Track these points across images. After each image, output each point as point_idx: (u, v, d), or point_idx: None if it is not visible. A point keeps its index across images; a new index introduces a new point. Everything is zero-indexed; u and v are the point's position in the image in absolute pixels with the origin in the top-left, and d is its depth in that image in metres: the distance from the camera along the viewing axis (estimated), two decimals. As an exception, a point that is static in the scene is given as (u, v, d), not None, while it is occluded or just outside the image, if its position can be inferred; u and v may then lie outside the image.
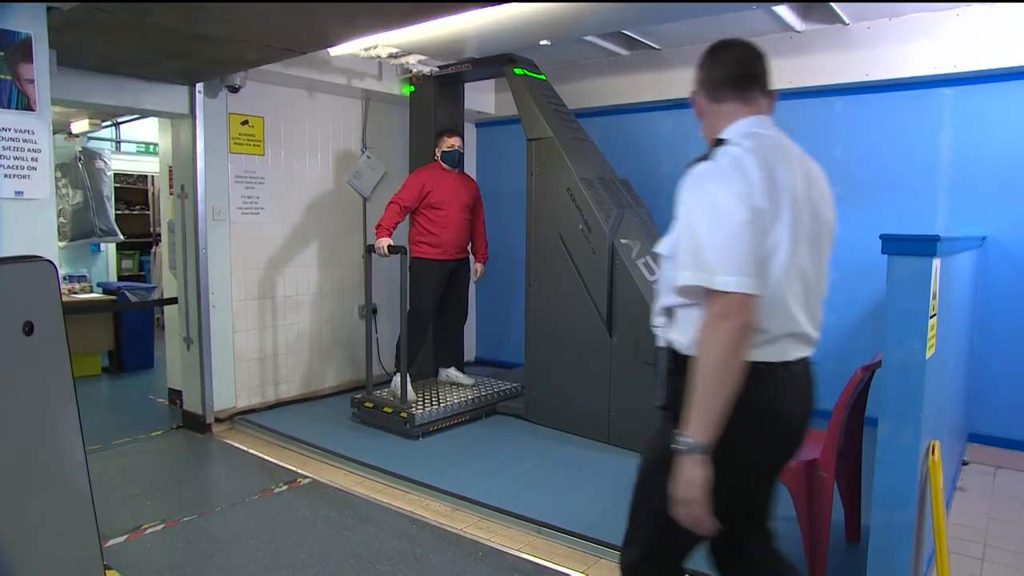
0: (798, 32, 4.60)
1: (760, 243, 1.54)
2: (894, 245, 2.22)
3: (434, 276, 4.91)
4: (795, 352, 1.66)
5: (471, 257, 5.23)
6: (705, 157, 1.66)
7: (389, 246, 4.56)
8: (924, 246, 2.18)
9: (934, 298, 2.25)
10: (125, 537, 3.16)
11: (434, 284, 4.91)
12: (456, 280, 5.08)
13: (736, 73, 1.75)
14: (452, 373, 5.24)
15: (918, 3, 4.09)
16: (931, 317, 2.24)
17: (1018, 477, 4.02)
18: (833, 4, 4.17)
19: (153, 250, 8.68)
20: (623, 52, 5.26)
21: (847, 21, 4.40)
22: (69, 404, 1.49)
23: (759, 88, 1.76)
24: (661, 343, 1.76)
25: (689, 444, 1.53)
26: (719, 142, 1.68)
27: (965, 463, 4.20)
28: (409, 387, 4.66)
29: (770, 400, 1.63)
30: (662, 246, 1.73)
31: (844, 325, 4.78)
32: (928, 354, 2.22)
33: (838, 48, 4.51)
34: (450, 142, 4.95)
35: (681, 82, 5.11)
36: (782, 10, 4.26)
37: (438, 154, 5.00)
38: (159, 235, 6.88)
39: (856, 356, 4.43)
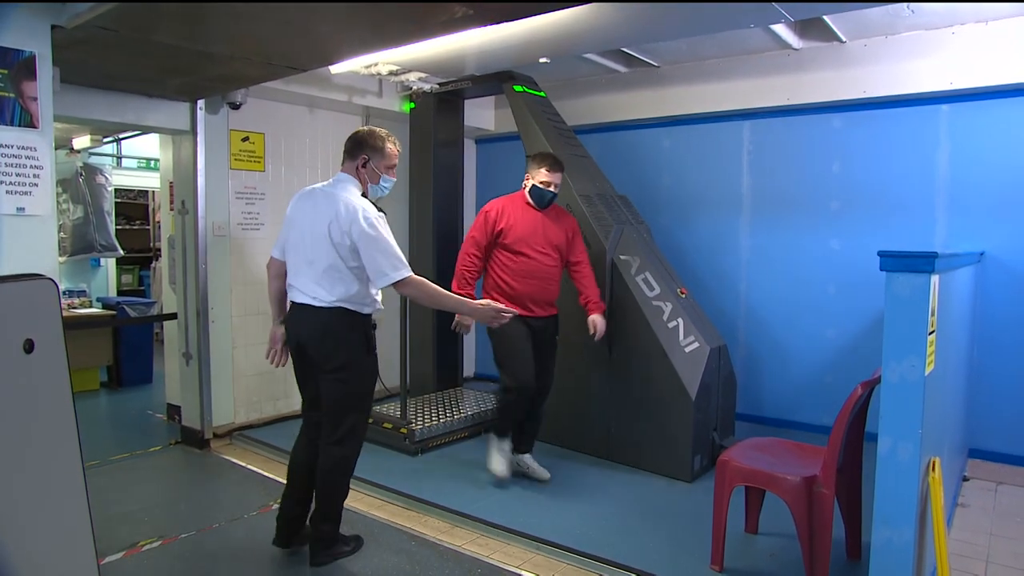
0: (796, 50, 4.64)
1: (284, 237, 3.09)
2: (893, 262, 2.23)
3: (520, 334, 3.78)
4: (295, 297, 2.99)
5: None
6: None
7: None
8: (922, 263, 2.19)
9: (933, 314, 2.26)
10: (122, 554, 3.14)
11: (518, 346, 3.79)
12: (541, 343, 3.92)
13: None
14: (527, 461, 4.05)
15: (919, 3, 4.13)
16: (930, 333, 2.24)
17: (1020, 493, 4.01)
18: (829, 21, 4.21)
19: (153, 265, 8.68)
20: (622, 69, 5.30)
21: (844, 39, 4.44)
22: (68, 421, 1.49)
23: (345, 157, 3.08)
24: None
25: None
26: None
27: (966, 479, 4.18)
28: (500, 460, 3.95)
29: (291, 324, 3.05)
30: None
31: (843, 340, 4.79)
32: (927, 370, 2.22)
33: (835, 65, 4.55)
34: (547, 177, 3.82)
35: (680, 99, 5.16)
36: (780, 28, 4.30)
37: (527, 184, 3.92)
38: (159, 250, 6.89)
39: (856, 371, 4.45)
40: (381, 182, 3.08)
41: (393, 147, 3.08)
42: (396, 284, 2.87)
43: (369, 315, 3.02)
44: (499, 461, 3.94)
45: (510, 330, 3.61)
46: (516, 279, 3.82)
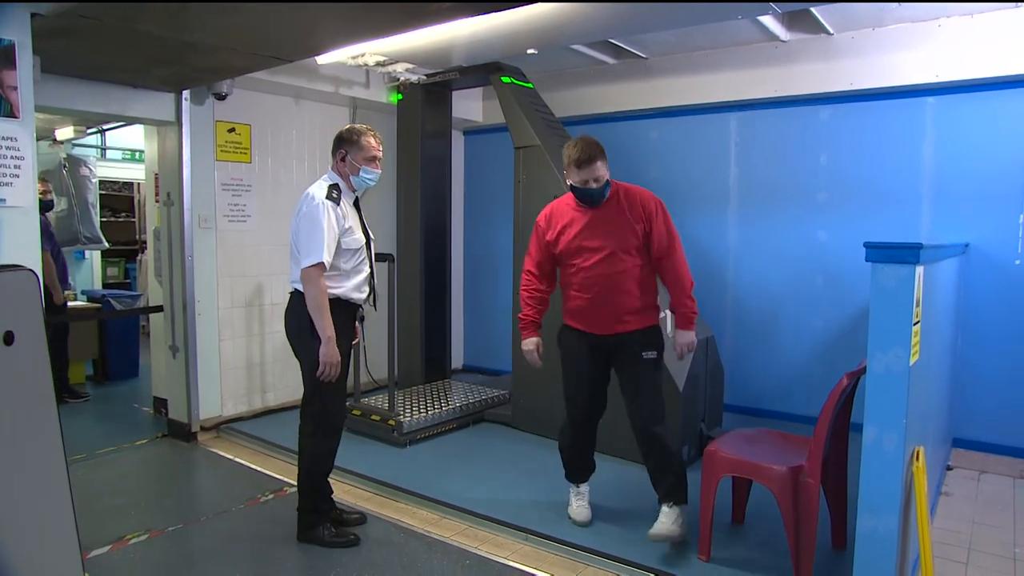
0: (784, 42, 4.64)
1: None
2: (878, 253, 2.24)
3: (577, 354, 3.22)
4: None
5: (667, 320, 3.28)
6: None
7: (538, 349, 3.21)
8: (907, 254, 2.20)
9: (918, 305, 2.27)
10: (109, 547, 3.12)
11: (575, 368, 3.24)
12: (624, 363, 3.17)
13: None
14: (665, 518, 3.09)
15: (903, 4, 4.15)
16: (915, 324, 2.26)
17: (1002, 481, 4.06)
18: (817, 14, 4.21)
19: (139, 258, 8.62)
20: (610, 61, 5.29)
21: (831, 31, 4.45)
22: (50, 414, 1.48)
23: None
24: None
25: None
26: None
27: (949, 468, 4.23)
28: (573, 502, 3.41)
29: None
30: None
31: (831, 330, 4.82)
32: (912, 360, 2.24)
33: (823, 58, 4.56)
34: (580, 176, 3.04)
35: (668, 91, 5.16)
36: (768, 20, 4.31)
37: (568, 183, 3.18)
38: (145, 242, 6.83)
39: (843, 361, 4.48)
40: (362, 174, 3.12)
41: (372, 140, 3.11)
42: (302, 272, 2.95)
43: (336, 299, 3.05)
44: (573, 504, 3.41)
45: (567, 349, 3.25)
46: (575, 293, 3.16)
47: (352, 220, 3.09)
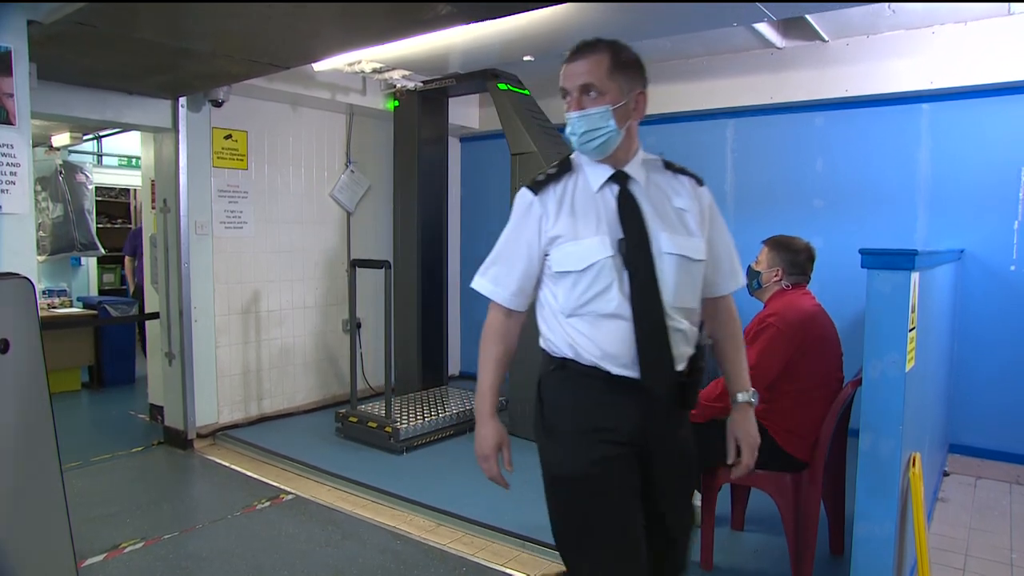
0: (779, 49, 4.66)
1: None
2: (873, 259, 2.24)
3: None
4: None
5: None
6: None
7: None
8: (903, 260, 2.21)
9: (913, 311, 2.28)
10: (103, 556, 3.10)
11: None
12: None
13: None
14: None
15: (900, 4, 4.17)
16: (911, 330, 2.26)
17: (998, 487, 4.06)
18: (812, 21, 4.23)
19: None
20: (606, 67, 5.30)
21: (826, 38, 4.47)
22: (45, 422, 1.47)
23: None
24: (686, 346, 1.74)
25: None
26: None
27: (946, 474, 4.23)
28: None
29: None
30: (694, 251, 1.74)
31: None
32: (908, 367, 2.24)
33: (818, 64, 4.58)
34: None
35: (663, 98, 5.16)
36: (763, 27, 4.32)
37: None
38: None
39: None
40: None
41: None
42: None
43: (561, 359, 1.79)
44: None
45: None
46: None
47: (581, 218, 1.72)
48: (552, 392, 1.84)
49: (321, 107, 5.45)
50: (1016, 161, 4.14)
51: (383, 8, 2.79)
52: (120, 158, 7.81)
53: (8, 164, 2.76)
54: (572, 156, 1.81)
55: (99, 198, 8.02)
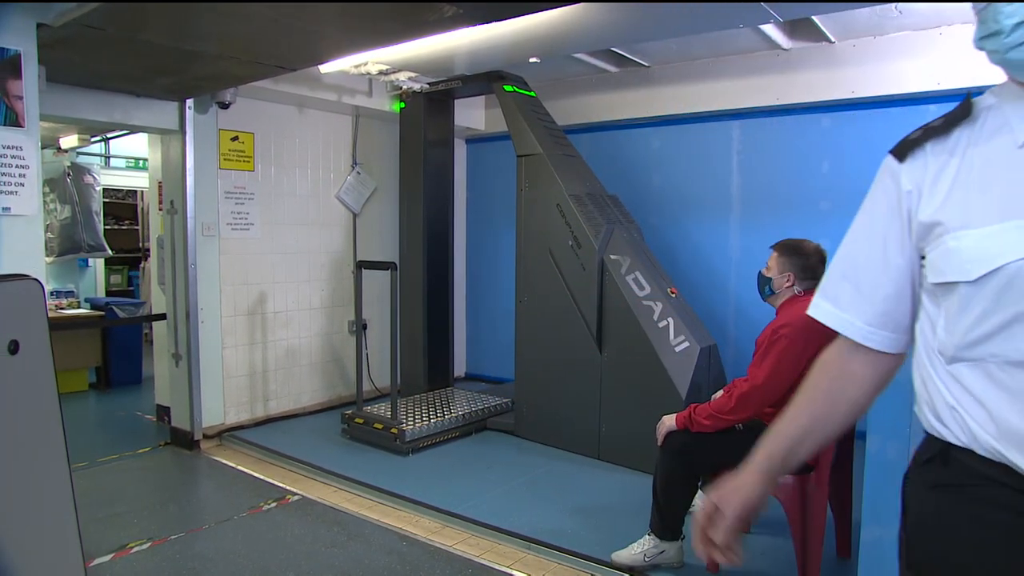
0: (785, 50, 4.65)
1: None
2: (880, 261, 2.23)
3: None
4: None
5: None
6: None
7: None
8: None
9: (920, 313, 2.27)
10: (111, 556, 3.12)
11: None
12: None
13: None
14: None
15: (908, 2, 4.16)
16: (917, 332, 2.25)
17: (1006, 491, 4.03)
18: (818, 22, 4.22)
19: (142, 265, 8.63)
20: (612, 69, 5.30)
21: (833, 39, 4.46)
22: (54, 424, 1.47)
23: None
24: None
25: None
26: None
27: (954, 477, 4.20)
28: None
29: None
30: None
31: (833, 339, 4.80)
32: (915, 369, 2.23)
33: (824, 66, 4.57)
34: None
35: (670, 99, 5.16)
36: (769, 28, 4.31)
37: None
38: (148, 250, 6.85)
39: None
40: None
41: None
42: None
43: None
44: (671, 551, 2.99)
45: None
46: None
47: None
48: (922, 507, 1.11)
49: (327, 109, 5.46)
50: None
51: (389, 10, 2.80)
52: (127, 160, 7.84)
53: (17, 166, 2.78)
54: (975, 98, 1.17)
55: (107, 200, 8.07)
